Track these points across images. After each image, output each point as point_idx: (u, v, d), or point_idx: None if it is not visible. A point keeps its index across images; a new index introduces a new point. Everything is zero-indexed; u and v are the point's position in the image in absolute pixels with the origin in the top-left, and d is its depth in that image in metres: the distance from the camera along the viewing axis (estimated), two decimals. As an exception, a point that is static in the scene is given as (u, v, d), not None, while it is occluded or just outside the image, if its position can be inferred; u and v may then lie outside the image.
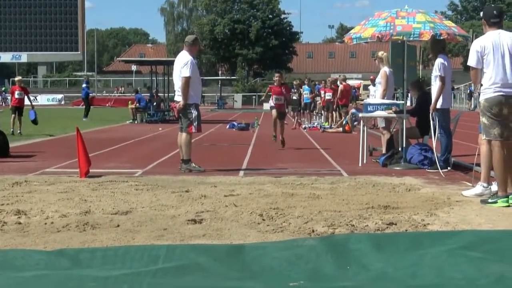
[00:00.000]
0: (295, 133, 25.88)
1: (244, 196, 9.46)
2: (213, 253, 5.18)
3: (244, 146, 19.05)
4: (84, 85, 40.49)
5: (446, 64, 12.72)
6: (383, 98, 14.34)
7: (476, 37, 10.11)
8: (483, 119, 9.10)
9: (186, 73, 12.70)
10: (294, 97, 30.95)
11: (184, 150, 12.86)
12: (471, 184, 10.43)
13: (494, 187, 9.33)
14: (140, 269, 4.79)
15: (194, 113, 12.85)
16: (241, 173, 12.61)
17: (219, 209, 8.40)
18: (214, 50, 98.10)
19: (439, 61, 12.69)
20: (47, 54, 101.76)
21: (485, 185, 9.53)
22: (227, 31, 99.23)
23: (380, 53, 14.96)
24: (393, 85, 14.71)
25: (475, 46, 9.10)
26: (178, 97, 12.95)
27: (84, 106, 39.96)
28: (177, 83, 12.94)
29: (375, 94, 15.50)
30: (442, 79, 12.59)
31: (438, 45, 12.90)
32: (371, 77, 31.27)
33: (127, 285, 4.24)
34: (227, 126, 29.64)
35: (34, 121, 24.30)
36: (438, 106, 12.55)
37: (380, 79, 14.55)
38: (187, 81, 12.70)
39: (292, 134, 25.10)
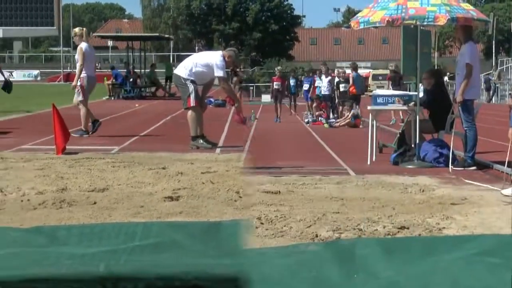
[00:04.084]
0: (297, 128, 24.99)
1: (220, 173, 9.48)
2: (190, 230, 5.20)
3: (221, 123, 19.03)
4: None
5: (474, 52, 12.27)
6: None
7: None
8: None
9: (221, 73, 13.20)
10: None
11: (190, 126, 13.10)
12: (486, 185, 10.10)
13: None
14: (117, 246, 4.82)
15: (191, 87, 13.06)
16: (218, 150, 12.62)
17: (196, 186, 8.46)
18: (190, 25, 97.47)
19: (467, 48, 12.14)
20: (23, 29, 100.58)
21: None
22: (204, 6, 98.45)
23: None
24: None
25: None
26: (177, 70, 13.44)
27: None
28: (189, 63, 13.27)
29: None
30: (470, 67, 11.97)
31: (466, 31, 12.31)
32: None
33: (103, 262, 4.26)
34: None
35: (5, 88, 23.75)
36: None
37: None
38: (225, 80, 13.36)
39: (294, 129, 24.37)
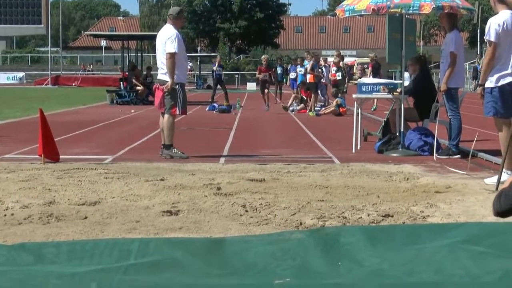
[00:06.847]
0: (282, 116, 25.92)
1: (225, 186, 9.48)
2: (191, 247, 5.19)
3: (226, 130, 19.07)
4: None
5: (459, 41, 12.84)
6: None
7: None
8: None
9: (172, 48, 12.69)
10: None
11: (166, 133, 12.81)
12: (463, 172, 10.72)
13: None
14: (110, 265, 4.80)
15: (180, 94, 12.85)
16: (222, 160, 12.63)
17: (197, 200, 8.41)
18: (192, 23, 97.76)
19: (451, 36, 12.77)
20: (7, 28, 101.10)
21: (510, 172, 9.51)
22: (207, 2, 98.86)
23: None
24: None
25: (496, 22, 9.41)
26: (162, 76, 12.94)
27: None
28: (161, 59, 12.93)
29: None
30: (454, 56, 12.64)
31: (451, 20, 12.94)
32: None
33: (95, 282, 4.25)
34: (207, 108, 29.66)
35: None
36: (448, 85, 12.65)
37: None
38: (172, 57, 12.67)
39: (279, 117, 25.20)
